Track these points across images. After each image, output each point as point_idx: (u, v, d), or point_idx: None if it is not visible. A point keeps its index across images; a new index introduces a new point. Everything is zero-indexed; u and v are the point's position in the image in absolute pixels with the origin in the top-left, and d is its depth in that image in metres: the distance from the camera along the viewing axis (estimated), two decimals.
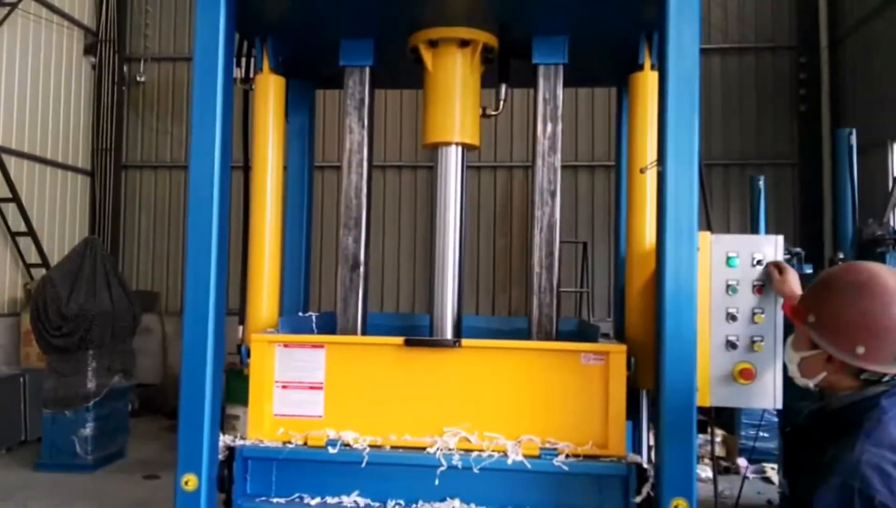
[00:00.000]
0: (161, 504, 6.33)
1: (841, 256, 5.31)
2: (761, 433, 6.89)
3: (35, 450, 7.75)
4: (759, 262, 2.52)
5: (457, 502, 2.40)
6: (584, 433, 2.43)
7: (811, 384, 1.87)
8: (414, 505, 2.43)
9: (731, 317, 2.53)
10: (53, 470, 7.16)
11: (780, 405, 2.58)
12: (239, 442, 2.52)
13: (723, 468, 7.29)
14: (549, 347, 2.54)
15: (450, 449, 2.41)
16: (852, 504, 1.59)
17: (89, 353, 7.28)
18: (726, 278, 2.51)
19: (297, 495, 2.51)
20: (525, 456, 2.37)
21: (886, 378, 1.76)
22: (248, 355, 2.57)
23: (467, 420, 2.47)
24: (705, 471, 6.67)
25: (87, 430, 7.32)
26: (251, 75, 2.97)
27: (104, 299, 7.37)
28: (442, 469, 2.38)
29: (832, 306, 1.80)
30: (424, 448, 2.44)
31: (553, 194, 2.76)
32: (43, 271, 8.78)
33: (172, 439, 8.69)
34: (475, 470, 2.37)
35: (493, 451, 2.40)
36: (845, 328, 1.75)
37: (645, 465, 2.39)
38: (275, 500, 2.51)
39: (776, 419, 6.70)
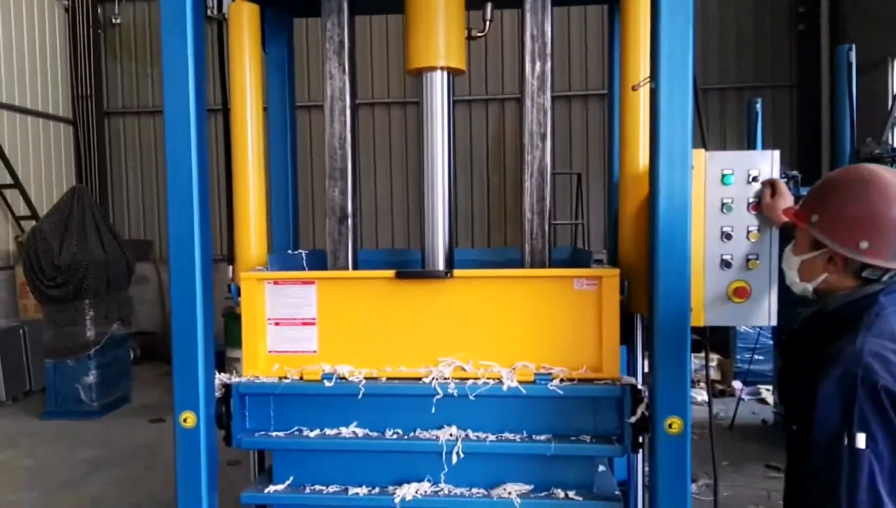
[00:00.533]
0: (168, 445, 6.39)
1: None
2: (756, 356, 6.99)
3: (40, 400, 7.87)
4: (754, 179, 2.46)
5: (454, 428, 2.42)
6: (579, 357, 2.42)
7: (810, 287, 1.86)
8: (412, 433, 2.45)
9: (726, 236, 2.48)
10: (60, 418, 7.29)
11: (774, 322, 2.57)
12: (235, 379, 2.52)
13: (718, 391, 7.44)
14: (542, 274, 2.51)
15: (445, 379, 2.41)
16: (855, 392, 1.59)
17: (86, 302, 7.29)
18: (721, 197, 2.45)
19: (295, 428, 2.53)
20: (520, 382, 2.37)
21: (886, 278, 1.76)
22: (239, 293, 2.54)
23: (462, 350, 2.46)
24: (701, 394, 6.78)
25: (91, 378, 7.40)
26: (223, 7, 2.85)
27: (96, 247, 7.34)
28: (438, 397, 2.38)
29: (836, 203, 1.79)
30: (420, 379, 2.43)
31: (543, 137, 2.66)
32: (32, 223, 8.70)
33: None
34: (471, 398, 2.37)
35: (488, 379, 2.40)
36: (849, 224, 1.75)
37: (640, 387, 2.39)
38: (274, 434, 2.53)
39: (771, 342, 6.79)
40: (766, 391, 7.17)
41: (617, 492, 2.47)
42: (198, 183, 2.36)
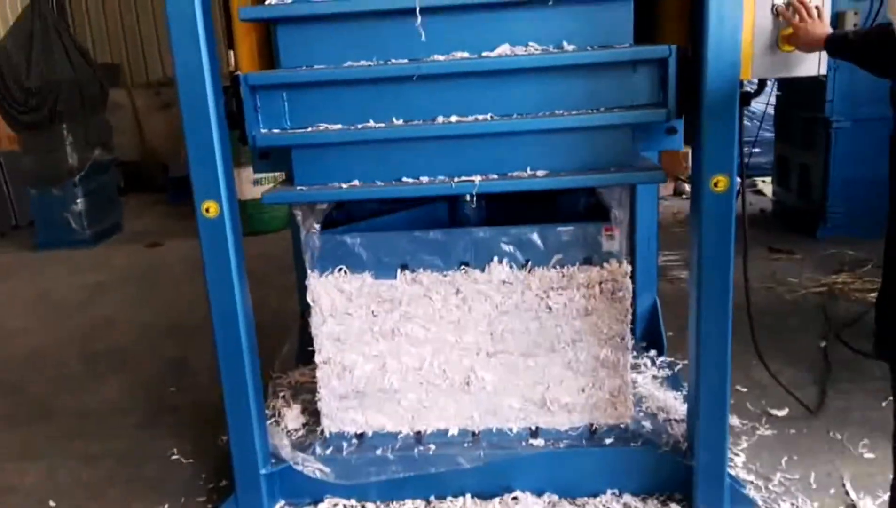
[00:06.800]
0: (170, 266, 6.44)
1: None
2: (755, 150, 6.94)
3: (29, 233, 7.69)
4: None
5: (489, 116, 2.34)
6: None
7: None
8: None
9: None
10: (53, 248, 7.14)
11: (824, 71, 2.43)
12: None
13: None
14: None
15: None
16: None
17: (63, 127, 6.93)
18: None
19: (314, 125, 2.42)
20: None
21: None
22: None
23: None
24: None
25: (79, 206, 7.21)
26: None
27: (65, 67, 6.86)
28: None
29: None
30: None
31: None
32: None
33: (165, 211, 8.74)
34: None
35: None
36: None
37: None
38: (291, 131, 2.42)
39: (771, 135, 6.72)
40: (763, 183, 7.21)
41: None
42: None
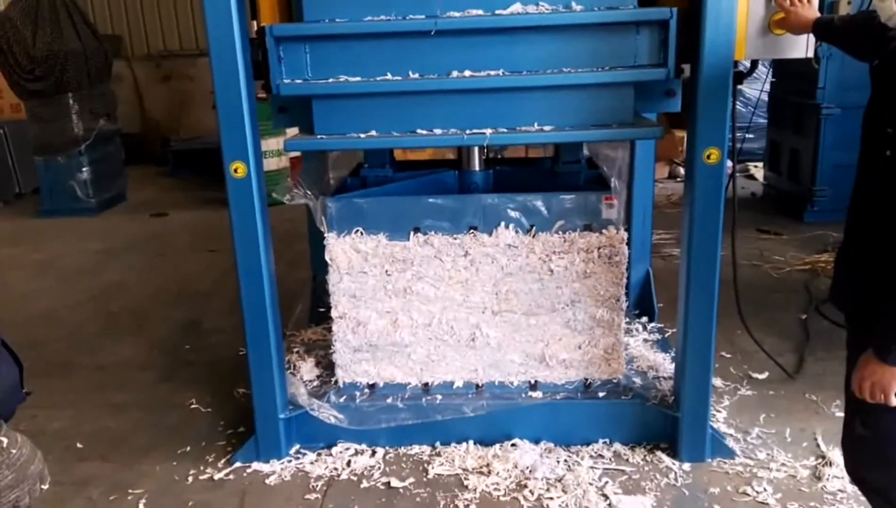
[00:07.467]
0: (175, 235, 6.60)
1: None
2: (748, 135, 7.15)
3: (33, 201, 7.82)
4: None
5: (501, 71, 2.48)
6: None
7: None
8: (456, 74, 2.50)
9: None
10: (58, 216, 7.28)
11: (811, 54, 2.61)
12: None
13: None
14: None
15: None
16: None
17: (69, 95, 7.04)
18: None
19: (336, 77, 2.53)
20: None
21: None
22: None
23: None
24: None
25: (84, 174, 7.34)
26: None
27: (72, 37, 6.95)
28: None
29: None
30: None
31: None
32: None
33: (167, 183, 8.87)
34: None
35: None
36: None
37: None
38: (313, 81, 2.54)
39: (764, 121, 6.91)
40: (755, 168, 7.42)
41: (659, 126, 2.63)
42: None
